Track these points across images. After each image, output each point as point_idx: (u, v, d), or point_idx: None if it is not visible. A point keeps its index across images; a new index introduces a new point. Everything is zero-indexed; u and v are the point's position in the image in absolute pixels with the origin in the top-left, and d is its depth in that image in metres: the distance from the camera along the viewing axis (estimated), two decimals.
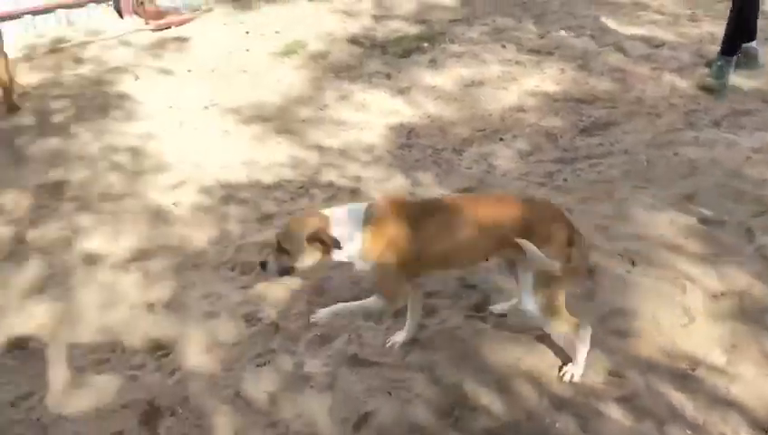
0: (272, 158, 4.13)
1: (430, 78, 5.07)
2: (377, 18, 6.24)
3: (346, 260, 2.30)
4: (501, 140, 4.14)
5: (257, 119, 4.61)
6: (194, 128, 4.53)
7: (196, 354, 2.65)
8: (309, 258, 2.26)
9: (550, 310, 2.27)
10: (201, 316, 2.85)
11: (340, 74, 5.24)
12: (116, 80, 5.30)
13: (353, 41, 5.81)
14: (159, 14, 6.50)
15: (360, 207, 2.34)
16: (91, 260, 3.23)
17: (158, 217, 3.57)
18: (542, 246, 2.16)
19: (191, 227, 3.46)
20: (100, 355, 2.67)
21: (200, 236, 3.37)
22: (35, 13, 6.10)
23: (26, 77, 5.41)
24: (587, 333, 2.33)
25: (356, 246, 2.26)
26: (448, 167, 3.92)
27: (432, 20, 6.12)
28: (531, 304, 2.26)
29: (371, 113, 4.66)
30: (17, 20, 6.04)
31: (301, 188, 3.80)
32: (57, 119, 4.70)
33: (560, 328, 2.36)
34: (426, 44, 5.58)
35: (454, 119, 4.47)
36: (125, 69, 5.48)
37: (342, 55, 5.56)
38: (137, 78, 5.32)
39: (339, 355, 2.60)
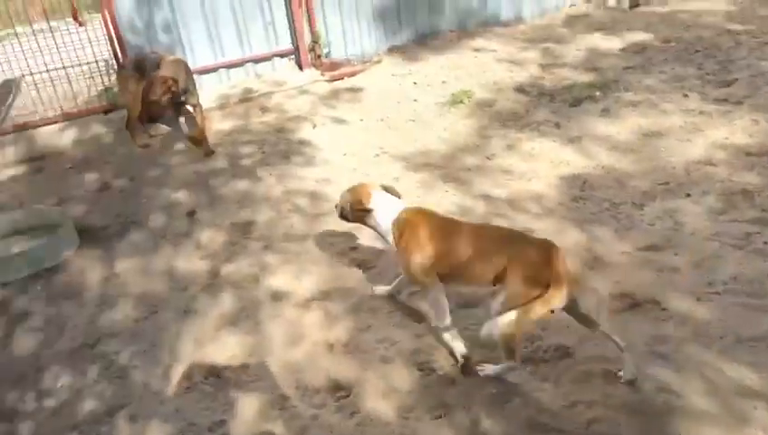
0: (439, 205, 4.17)
1: (603, 127, 4.89)
2: (544, 67, 6.20)
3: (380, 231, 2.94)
4: (688, 195, 3.85)
5: (425, 166, 4.73)
6: (366, 174, 4.74)
7: (374, 399, 2.71)
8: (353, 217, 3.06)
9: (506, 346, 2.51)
10: (377, 360, 2.91)
11: (507, 123, 5.24)
12: (296, 127, 5.73)
13: (520, 89, 5.80)
14: (334, 66, 6.98)
15: (399, 207, 2.93)
16: (277, 297, 3.45)
17: (337, 257, 3.74)
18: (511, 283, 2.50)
19: (368, 271, 3.58)
20: (285, 391, 2.82)
21: (376, 281, 3.48)
22: (229, 66, 6.83)
23: (220, 124, 6.04)
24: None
25: (386, 232, 2.90)
26: (628, 222, 3.71)
27: (604, 67, 5.94)
28: (494, 329, 2.48)
29: (540, 163, 4.58)
30: (214, 73, 6.81)
31: None
32: (246, 163, 5.16)
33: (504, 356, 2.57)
34: (597, 93, 5.42)
35: (631, 171, 4.25)
36: (304, 117, 5.92)
37: (509, 104, 5.56)
38: (314, 126, 5.71)
39: (515, 416, 2.52)
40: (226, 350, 3.10)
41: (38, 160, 5.67)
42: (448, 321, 2.81)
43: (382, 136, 5.34)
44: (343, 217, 3.14)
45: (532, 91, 5.74)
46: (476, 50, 6.96)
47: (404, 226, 2.84)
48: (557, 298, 2.43)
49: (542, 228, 3.78)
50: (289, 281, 3.58)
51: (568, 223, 3.80)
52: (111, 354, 3.11)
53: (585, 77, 5.81)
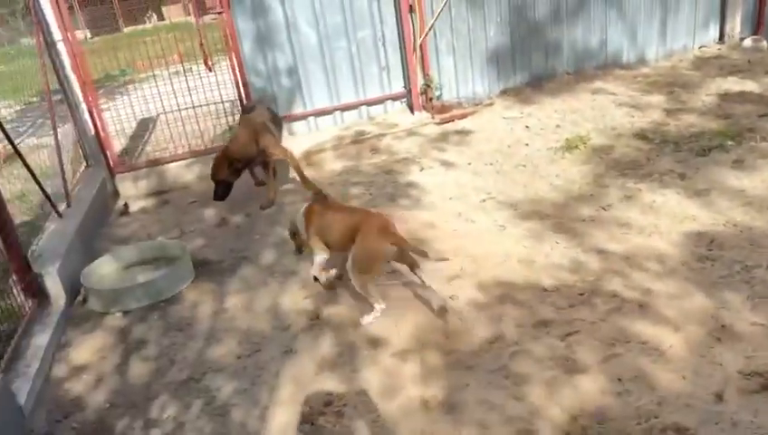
0: (549, 258, 3.99)
1: (736, 180, 4.48)
2: (669, 112, 5.83)
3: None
4: None
5: (534, 215, 4.55)
6: (471, 220, 4.65)
7: None
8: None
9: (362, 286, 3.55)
10: (474, 423, 2.77)
11: (626, 172, 4.95)
12: (404, 169, 5.77)
13: (641, 136, 5.48)
14: (445, 109, 7.00)
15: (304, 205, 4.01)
16: (375, 343, 3.41)
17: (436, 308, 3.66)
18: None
19: (467, 324, 3.46)
20: None
21: (475, 335, 3.34)
22: (344, 109, 7.05)
23: (332, 164, 6.22)
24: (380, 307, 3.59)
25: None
26: (763, 289, 3.32)
27: (737, 114, 5.49)
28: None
29: (662, 217, 4.26)
30: (329, 115, 7.06)
31: (581, 295, 3.57)
32: (354, 203, 5.25)
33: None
34: (729, 142, 4.99)
35: None
36: (413, 160, 5.95)
37: (628, 151, 5.27)
38: (422, 169, 5.72)
39: None
40: (323, 396, 3.09)
41: (165, 194, 6.13)
42: (318, 271, 3.93)
43: (490, 181, 5.23)
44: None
45: (655, 137, 5.41)
46: (594, 93, 6.72)
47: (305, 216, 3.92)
48: (389, 252, 3.53)
49: (662, 290, 3.49)
50: (387, 327, 3.53)
51: (692, 286, 3.47)
52: (214, 390, 3.20)
53: (715, 124, 5.39)
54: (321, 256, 3.88)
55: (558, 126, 6.02)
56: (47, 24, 5.72)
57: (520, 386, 2.94)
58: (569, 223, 4.38)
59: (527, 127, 6.13)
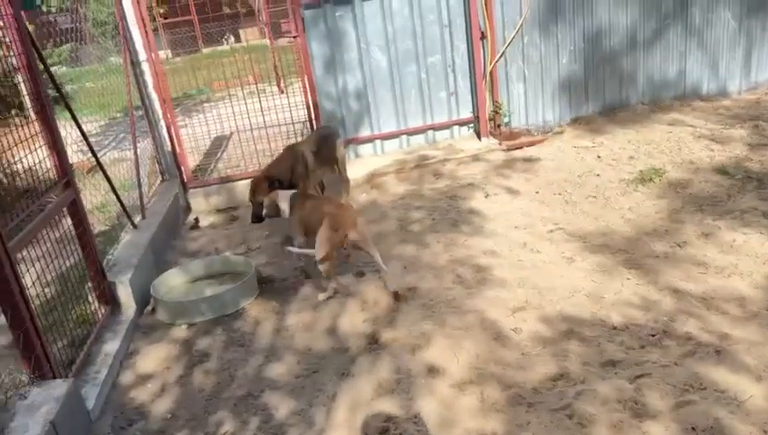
0: (619, 295, 3.83)
1: None
2: (753, 147, 5.54)
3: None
4: None
5: (604, 249, 4.39)
6: (536, 251, 4.53)
7: None
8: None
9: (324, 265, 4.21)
10: None
11: (704, 208, 4.71)
12: (468, 195, 5.71)
13: (721, 171, 5.22)
14: (513, 136, 6.91)
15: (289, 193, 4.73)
16: (433, 372, 3.35)
17: (497, 339, 3.56)
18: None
19: (529, 358, 3.35)
20: None
21: (538, 371, 3.23)
22: (411, 133, 7.08)
23: (395, 188, 6.23)
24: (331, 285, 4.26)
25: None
26: None
27: None
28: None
29: (743, 257, 4.02)
30: (395, 139, 7.11)
31: (653, 335, 3.40)
32: (415, 228, 5.22)
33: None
34: None
35: None
36: (477, 186, 5.88)
37: (707, 186, 5.02)
38: (487, 195, 5.64)
39: None
40: (379, 422, 3.05)
41: (234, 210, 6.30)
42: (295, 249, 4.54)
43: (558, 211, 5.09)
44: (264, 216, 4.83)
45: (737, 173, 5.14)
46: (671, 124, 6.47)
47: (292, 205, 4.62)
48: (345, 237, 4.19)
49: (741, 335, 3.27)
50: (446, 356, 3.46)
51: None
52: (272, 408, 3.22)
53: None
54: (298, 239, 4.60)
55: (631, 157, 5.82)
56: (133, 44, 6.05)
57: (585, 428, 2.81)
58: (641, 259, 4.20)
59: (599, 157, 5.96)
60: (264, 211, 4.77)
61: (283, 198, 4.69)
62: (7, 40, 3.81)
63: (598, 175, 5.61)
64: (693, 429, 2.71)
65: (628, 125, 6.66)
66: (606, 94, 7.21)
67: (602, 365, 3.22)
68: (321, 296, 4.29)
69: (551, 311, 3.74)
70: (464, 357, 3.43)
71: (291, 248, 4.59)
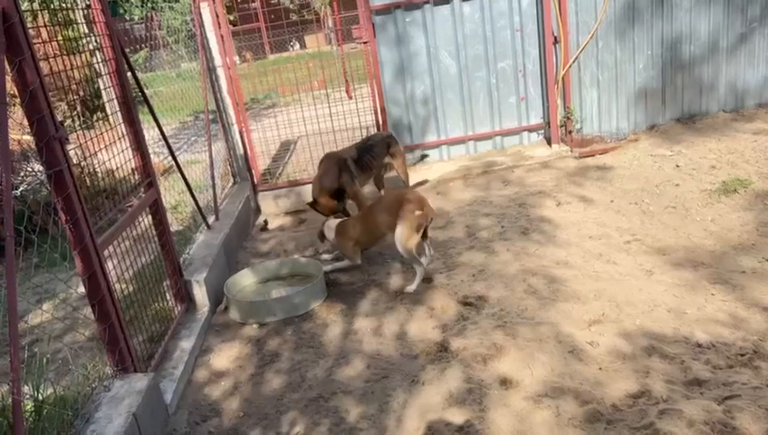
0: (703, 311, 3.64)
1: None
2: None
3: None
4: None
5: (687, 263, 4.19)
6: (613, 262, 4.37)
7: None
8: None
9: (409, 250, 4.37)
10: None
11: None
12: (538, 203, 5.57)
13: None
14: (585, 143, 6.72)
15: (331, 229, 4.87)
16: (506, 384, 3.27)
17: (573, 352, 3.44)
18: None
19: (607, 374, 3.22)
20: None
21: (617, 387, 3.10)
22: (478, 139, 7.00)
23: (461, 194, 6.17)
24: (423, 267, 4.42)
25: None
26: None
27: None
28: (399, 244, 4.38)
29: None
30: (463, 144, 7.04)
31: (742, 355, 3.20)
32: (483, 235, 5.13)
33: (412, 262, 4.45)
34: None
35: None
36: (548, 193, 5.74)
37: None
38: (558, 204, 5.49)
39: None
40: (449, 433, 3.00)
41: (302, 213, 6.38)
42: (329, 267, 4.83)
43: (635, 221, 4.90)
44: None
45: None
46: (756, 133, 6.14)
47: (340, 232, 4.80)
48: (423, 225, 4.35)
49: None
50: (519, 368, 3.38)
51: None
52: (342, 412, 3.22)
53: None
54: (356, 262, 4.82)
55: (713, 167, 5.54)
56: (210, 50, 6.24)
57: None
58: (726, 274, 3.98)
59: (677, 166, 5.71)
60: (318, 238, 5.07)
61: (329, 229, 4.88)
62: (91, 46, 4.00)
63: (677, 185, 5.37)
64: None
65: (708, 133, 6.36)
66: (684, 101, 6.91)
67: (687, 384, 3.06)
68: (410, 288, 4.37)
69: (629, 325, 3.59)
70: (538, 370, 3.34)
71: (327, 267, 4.75)
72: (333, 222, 4.93)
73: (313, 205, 5.49)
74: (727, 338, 3.36)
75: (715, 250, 4.29)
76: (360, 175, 5.62)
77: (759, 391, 2.92)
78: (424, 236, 4.49)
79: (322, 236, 4.96)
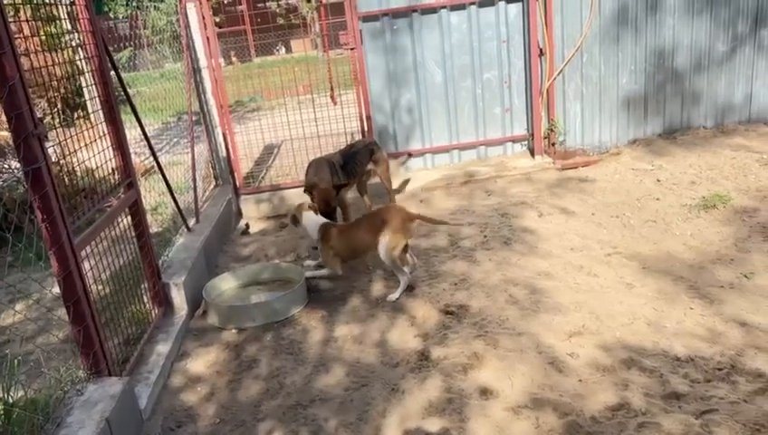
0: (682, 325, 3.67)
1: None
2: None
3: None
4: None
5: (666, 276, 4.23)
6: (594, 274, 4.39)
7: None
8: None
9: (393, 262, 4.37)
10: None
11: None
12: (520, 213, 5.59)
13: None
14: (567, 155, 6.78)
15: (317, 224, 4.76)
16: (486, 394, 3.26)
17: (553, 364, 3.44)
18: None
19: (587, 386, 3.22)
20: None
21: (597, 400, 3.10)
22: (462, 148, 7.02)
23: (444, 203, 6.17)
24: (406, 277, 4.40)
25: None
26: None
27: None
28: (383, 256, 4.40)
29: None
30: (446, 153, 7.05)
31: (719, 369, 3.23)
32: (466, 244, 5.13)
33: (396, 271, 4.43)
34: None
35: None
36: (529, 204, 5.77)
37: None
38: (540, 215, 5.52)
39: None
40: None
41: (284, 218, 6.33)
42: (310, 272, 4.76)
43: (616, 234, 4.94)
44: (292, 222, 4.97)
45: None
46: (735, 149, 6.24)
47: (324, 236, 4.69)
48: (405, 239, 4.38)
49: None
50: (499, 378, 3.37)
51: None
52: (321, 420, 3.18)
53: None
54: (336, 271, 4.73)
55: (693, 182, 5.62)
56: (195, 51, 6.18)
57: None
58: (705, 288, 4.03)
59: (658, 180, 5.77)
60: (289, 220, 5.05)
61: (312, 224, 4.74)
62: (74, 43, 3.93)
63: (657, 199, 5.43)
64: None
65: (689, 148, 6.45)
66: (666, 116, 7.01)
67: (665, 398, 3.07)
68: (392, 297, 4.35)
69: (609, 338, 3.60)
70: (518, 380, 3.33)
71: (308, 273, 4.68)
72: (319, 220, 4.79)
73: (310, 190, 5.33)
74: (705, 352, 3.39)
75: (693, 264, 4.33)
76: (346, 181, 5.60)
77: (736, 405, 2.95)
78: (405, 247, 4.48)
79: (295, 221, 4.84)
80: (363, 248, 4.58)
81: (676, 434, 2.80)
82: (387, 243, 4.34)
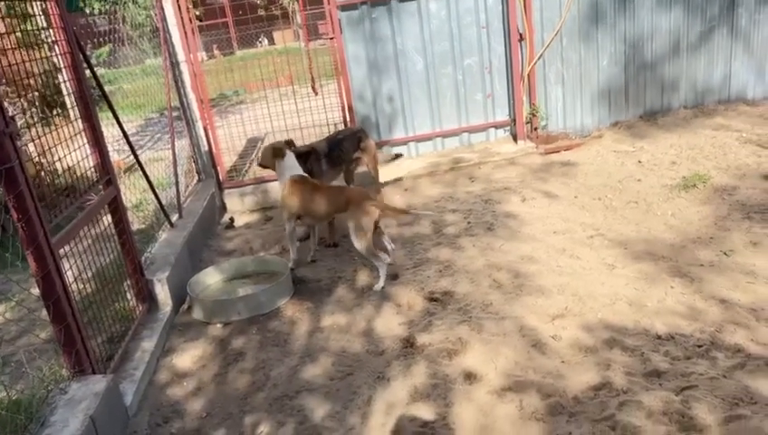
0: (663, 304, 3.71)
1: None
2: None
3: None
4: None
5: (647, 256, 4.27)
6: (576, 257, 4.42)
7: None
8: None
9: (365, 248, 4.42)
10: None
11: (752, 215, 4.55)
12: (504, 199, 5.62)
13: None
14: (550, 139, 6.80)
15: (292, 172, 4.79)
16: (470, 378, 3.28)
17: (536, 346, 3.47)
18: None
19: (570, 367, 3.26)
20: None
21: (579, 380, 3.14)
22: (445, 135, 7.02)
23: (429, 190, 6.18)
24: (384, 264, 4.41)
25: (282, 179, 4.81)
26: None
27: None
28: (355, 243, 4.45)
29: None
30: (429, 141, 7.05)
31: (699, 346, 3.27)
32: (450, 231, 5.15)
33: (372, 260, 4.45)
34: None
35: None
36: (513, 189, 5.79)
37: (755, 193, 4.85)
38: (523, 199, 5.54)
39: None
40: (415, 428, 2.99)
41: (269, 211, 6.32)
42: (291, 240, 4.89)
43: (599, 216, 4.98)
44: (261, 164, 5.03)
45: None
46: (715, 129, 6.29)
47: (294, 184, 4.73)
48: (375, 218, 4.41)
49: None
50: (483, 362, 3.39)
51: None
52: (307, 410, 3.19)
53: None
54: (290, 224, 4.87)
55: (674, 163, 5.66)
56: (173, 46, 6.13)
57: None
58: (685, 267, 4.07)
59: (639, 162, 5.81)
60: (260, 160, 5.02)
61: (288, 169, 4.76)
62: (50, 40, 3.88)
63: (639, 180, 5.47)
64: None
65: (669, 130, 6.49)
66: (647, 98, 7.04)
67: (646, 376, 3.11)
68: (378, 286, 4.36)
69: (591, 318, 3.64)
70: (502, 364, 3.36)
71: (289, 240, 4.88)
72: (296, 169, 4.79)
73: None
74: (685, 330, 3.43)
75: (674, 244, 4.38)
76: (330, 170, 5.55)
77: (716, 381, 2.99)
78: (378, 230, 4.57)
79: (277, 154, 4.80)
80: (318, 214, 4.67)
81: (657, 411, 2.84)
82: (354, 228, 4.40)
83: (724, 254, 4.15)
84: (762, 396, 2.85)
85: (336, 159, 5.55)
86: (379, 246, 4.60)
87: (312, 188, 4.72)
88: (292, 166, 4.80)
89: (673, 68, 6.97)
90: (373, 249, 4.42)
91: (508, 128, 7.07)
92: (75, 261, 3.36)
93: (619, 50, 6.78)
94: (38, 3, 3.69)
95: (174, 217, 5.28)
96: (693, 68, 7.02)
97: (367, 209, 4.40)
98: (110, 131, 4.39)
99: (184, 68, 6.23)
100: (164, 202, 5.13)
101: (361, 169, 6.03)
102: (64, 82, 3.71)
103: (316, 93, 7.51)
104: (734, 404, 2.83)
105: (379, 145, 6.88)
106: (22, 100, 6.35)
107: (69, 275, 3.16)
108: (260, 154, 5.10)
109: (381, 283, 4.37)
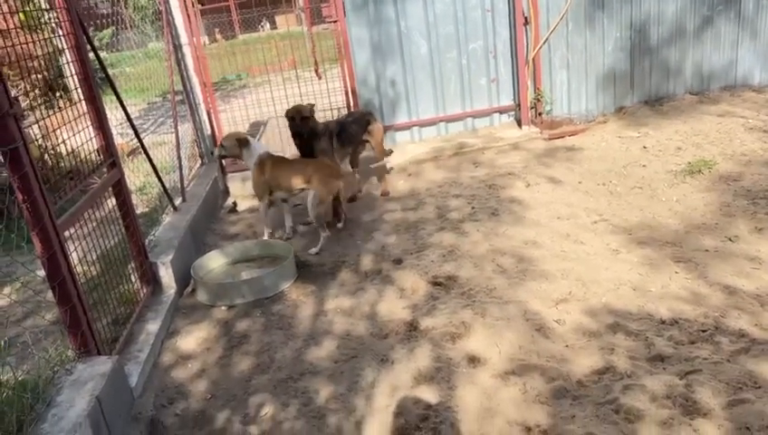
0: (667, 289, 3.71)
1: None
2: None
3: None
4: None
5: (651, 241, 4.26)
6: (580, 242, 4.42)
7: None
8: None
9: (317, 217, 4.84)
10: None
11: (757, 202, 4.54)
12: (508, 184, 5.60)
13: None
14: (554, 124, 6.77)
15: (262, 152, 5.07)
16: (474, 362, 3.29)
17: (540, 330, 3.48)
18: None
19: (573, 351, 3.27)
20: None
21: (583, 364, 3.15)
22: (449, 120, 6.99)
23: (434, 175, 6.16)
24: (326, 234, 4.87)
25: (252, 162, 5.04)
26: None
27: None
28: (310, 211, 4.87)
29: None
30: (433, 126, 7.02)
31: (703, 331, 3.28)
32: (454, 216, 5.15)
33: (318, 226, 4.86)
34: None
35: None
36: (517, 175, 5.77)
37: (760, 179, 4.83)
38: (528, 185, 5.53)
39: None
40: (419, 410, 3.01)
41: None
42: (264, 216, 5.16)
43: (603, 202, 4.96)
44: (222, 155, 5.32)
45: None
46: (720, 115, 6.25)
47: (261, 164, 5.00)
48: (330, 195, 4.83)
49: None
50: (486, 346, 3.40)
51: None
52: (312, 392, 3.21)
53: None
54: (262, 203, 5.17)
55: (679, 148, 5.63)
56: (175, 28, 6.08)
57: (632, 423, 2.72)
58: (690, 252, 4.06)
59: (644, 148, 5.79)
60: (221, 151, 5.18)
61: (257, 150, 5.03)
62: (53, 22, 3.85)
63: (643, 166, 5.44)
64: (747, 428, 2.60)
65: (674, 116, 6.45)
66: (652, 84, 6.99)
67: (650, 360, 3.12)
68: (313, 250, 4.80)
69: (595, 303, 3.64)
70: (505, 347, 3.37)
71: (266, 238, 5.07)
72: (264, 148, 5.09)
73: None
74: (689, 315, 3.43)
75: (679, 230, 4.37)
76: (340, 148, 5.58)
77: (719, 365, 3.00)
78: (338, 201, 5.06)
79: (243, 144, 5.01)
80: (286, 186, 4.95)
81: (661, 395, 2.85)
82: (312, 198, 4.79)
83: (729, 240, 4.14)
84: (765, 380, 2.86)
85: (345, 139, 5.59)
86: (336, 214, 5.20)
87: (280, 161, 5.07)
88: (257, 147, 5.07)
89: (678, 53, 6.92)
90: (323, 220, 4.84)
91: (512, 113, 7.03)
92: (80, 243, 3.36)
93: (624, 35, 6.72)
94: None
95: (177, 201, 5.28)
96: (698, 54, 6.96)
97: (328, 182, 4.81)
98: (113, 114, 4.38)
99: (187, 51, 6.19)
100: (167, 186, 5.12)
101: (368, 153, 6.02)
102: (67, 63, 3.68)
103: (320, 78, 7.47)
104: (738, 388, 2.83)
105: (384, 130, 6.85)
106: (24, 81, 6.31)
107: (74, 258, 3.16)
108: (221, 144, 5.21)
109: (318, 248, 4.82)
